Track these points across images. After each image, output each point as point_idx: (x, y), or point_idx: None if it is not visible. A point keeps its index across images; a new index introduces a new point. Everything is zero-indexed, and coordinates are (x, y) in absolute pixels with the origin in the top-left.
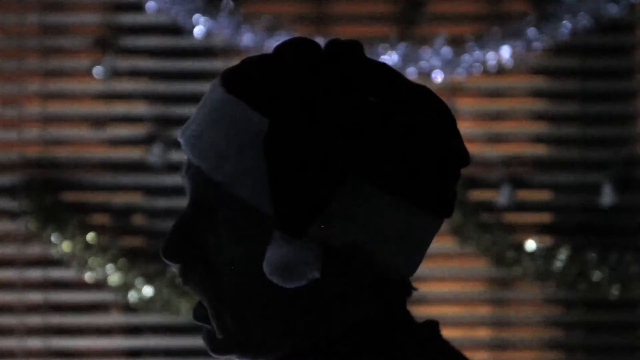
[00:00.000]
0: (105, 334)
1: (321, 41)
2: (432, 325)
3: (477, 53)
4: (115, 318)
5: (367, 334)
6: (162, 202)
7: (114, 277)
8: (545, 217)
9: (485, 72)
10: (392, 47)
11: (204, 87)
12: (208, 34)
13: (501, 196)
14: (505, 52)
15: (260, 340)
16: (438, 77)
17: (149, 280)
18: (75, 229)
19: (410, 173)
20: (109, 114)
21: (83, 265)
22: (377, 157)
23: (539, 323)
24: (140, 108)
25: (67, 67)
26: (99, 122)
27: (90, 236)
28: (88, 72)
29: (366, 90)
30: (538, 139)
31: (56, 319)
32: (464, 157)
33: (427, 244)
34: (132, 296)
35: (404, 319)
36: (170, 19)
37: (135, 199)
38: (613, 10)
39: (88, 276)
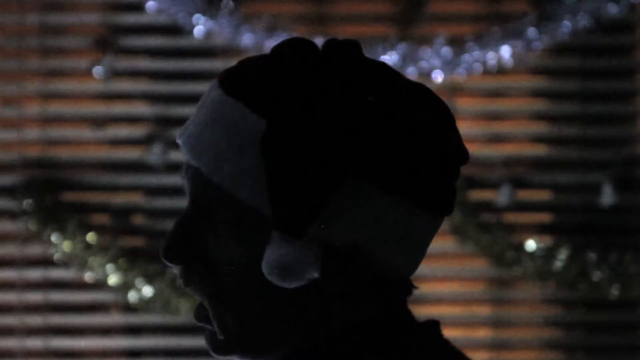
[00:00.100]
0: (105, 334)
1: (321, 41)
2: (433, 325)
3: (477, 53)
4: (115, 318)
5: (367, 334)
6: (162, 202)
7: (114, 277)
8: (545, 217)
9: (485, 72)
10: (392, 47)
11: (204, 87)
12: (208, 34)
13: (501, 196)
14: (505, 52)
15: (261, 340)
16: (438, 77)
17: (149, 280)
18: (75, 229)
19: (410, 173)
20: (109, 114)
21: (83, 265)
22: (376, 157)
23: (539, 323)
24: (140, 108)
25: (67, 67)
26: (99, 122)
27: (90, 236)
28: (88, 72)
29: (365, 89)
30: (538, 139)
31: (56, 319)
32: (464, 156)
33: (428, 243)
34: (132, 296)
35: (404, 318)
36: (170, 19)
37: (135, 199)
38: (613, 10)
39: (88, 276)
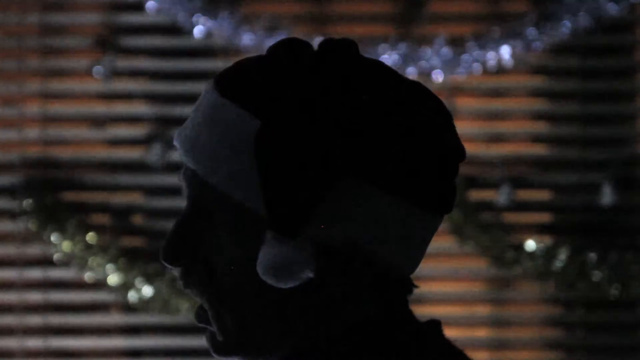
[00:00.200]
0: (105, 334)
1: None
2: (435, 325)
3: (477, 53)
4: (115, 318)
5: (367, 334)
6: (162, 202)
7: (114, 277)
8: (545, 217)
9: (485, 72)
10: (392, 47)
11: (203, 87)
12: (208, 34)
13: (501, 196)
14: (505, 52)
15: (261, 341)
16: (438, 77)
17: (149, 280)
18: (75, 229)
19: (410, 172)
20: (109, 114)
21: (83, 265)
22: (375, 157)
23: (539, 323)
24: (140, 108)
25: (67, 67)
26: (99, 122)
27: (90, 236)
28: (88, 72)
29: (360, 89)
30: (538, 139)
31: (56, 319)
32: (462, 154)
33: (428, 241)
34: (132, 296)
35: (404, 318)
36: (170, 19)
37: (135, 199)
38: (613, 10)
39: (88, 276)
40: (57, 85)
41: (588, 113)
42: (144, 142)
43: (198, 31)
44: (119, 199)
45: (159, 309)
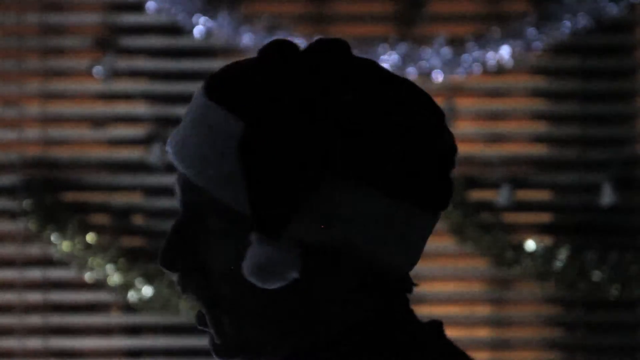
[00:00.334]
0: (105, 334)
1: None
2: (436, 326)
3: (477, 53)
4: (115, 318)
5: (367, 334)
6: (162, 202)
7: (114, 277)
8: (545, 217)
9: (485, 72)
10: (392, 47)
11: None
12: (208, 34)
13: (501, 196)
14: (505, 52)
15: (260, 342)
16: (438, 77)
17: (149, 280)
18: (75, 229)
19: (400, 170)
20: (109, 114)
21: (83, 265)
22: (363, 156)
23: (539, 323)
24: (140, 108)
25: (67, 67)
26: (99, 122)
27: (90, 236)
28: (88, 72)
29: (347, 89)
30: (538, 139)
31: (56, 319)
32: (454, 150)
33: (425, 238)
34: (132, 296)
35: (405, 319)
36: (170, 19)
37: (135, 199)
38: (613, 10)
39: (88, 276)
40: (57, 85)
41: (588, 113)
42: (144, 142)
43: (198, 31)
44: (119, 199)
45: (159, 309)
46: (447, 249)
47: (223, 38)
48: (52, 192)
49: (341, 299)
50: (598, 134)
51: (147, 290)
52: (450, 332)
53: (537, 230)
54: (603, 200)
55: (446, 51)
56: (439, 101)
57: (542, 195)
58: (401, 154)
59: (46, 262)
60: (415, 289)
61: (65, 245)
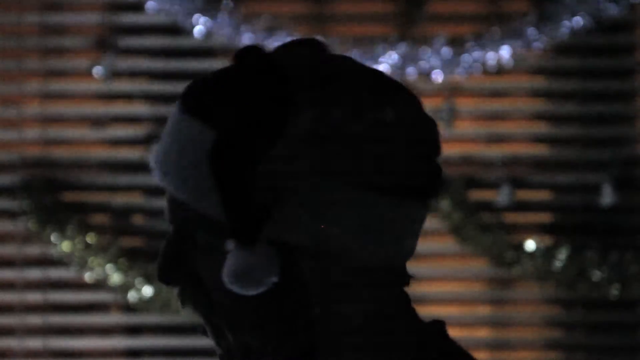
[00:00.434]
0: (105, 334)
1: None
2: (439, 325)
3: (477, 53)
4: (115, 318)
5: (368, 334)
6: (162, 202)
7: (114, 277)
8: (545, 217)
9: (485, 72)
10: (392, 47)
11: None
12: (208, 34)
13: (501, 196)
14: (505, 52)
15: (259, 346)
16: (438, 77)
17: (149, 280)
18: (75, 229)
19: (377, 164)
20: (109, 114)
21: (83, 265)
22: (337, 157)
23: (539, 323)
24: (140, 108)
25: (67, 67)
26: (99, 122)
27: (90, 236)
28: (88, 72)
29: (315, 91)
30: (538, 139)
31: (56, 319)
32: (434, 135)
33: (416, 228)
34: (132, 296)
35: (406, 317)
36: (170, 19)
37: (135, 199)
38: (613, 10)
39: (88, 276)
40: (57, 85)
41: (588, 113)
42: (144, 142)
43: (198, 31)
44: (119, 199)
45: (159, 309)
46: (447, 249)
47: (223, 38)
48: (52, 192)
49: (336, 298)
50: (598, 134)
51: (147, 290)
52: (450, 333)
53: (537, 230)
54: (603, 200)
55: (446, 51)
56: (439, 101)
57: (542, 195)
58: (375, 149)
59: (46, 262)
60: (415, 289)
61: (65, 245)
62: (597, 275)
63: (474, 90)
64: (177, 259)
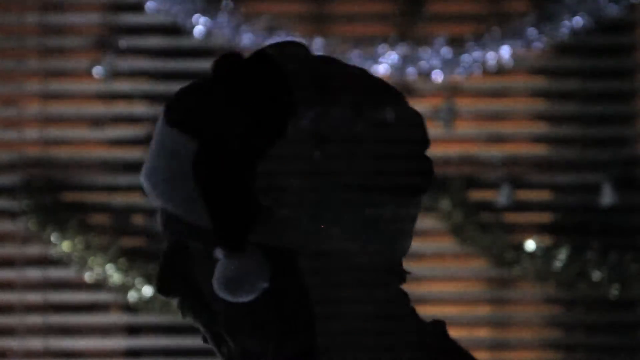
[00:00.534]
0: (105, 334)
1: (321, 41)
2: (439, 326)
3: (477, 53)
4: (115, 318)
5: (367, 333)
6: None
7: (114, 277)
8: (545, 217)
9: (485, 72)
10: (392, 47)
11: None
12: (208, 34)
13: (501, 196)
14: (505, 52)
15: (261, 351)
16: (438, 77)
17: (149, 280)
18: (75, 229)
19: (363, 164)
20: (109, 114)
21: (83, 265)
22: (333, 156)
23: (539, 323)
24: (140, 108)
25: (67, 67)
26: (99, 122)
27: (90, 236)
28: (88, 72)
29: (292, 95)
30: (538, 139)
31: (56, 319)
32: (420, 129)
33: (408, 222)
34: (132, 296)
35: (406, 317)
36: (170, 19)
37: (135, 199)
38: (613, 10)
39: (88, 276)
40: (57, 85)
41: (588, 113)
42: (144, 142)
43: (198, 31)
44: (119, 199)
45: (159, 309)
46: (447, 249)
47: (223, 38)
48: (52, 192)
49: (336, 298)
50: (598, 134)
51: (147, 290)
52: (450, 333)
53: (537, 230)
54: (603, 200)
55: (446, 51)
56: (439, 101)
57: (542, 195)
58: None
59: (46, 262)
60: (415, 289)
61: (65, 245)
62: (597, 275)
63: (474, 90)
64: (174, 270)
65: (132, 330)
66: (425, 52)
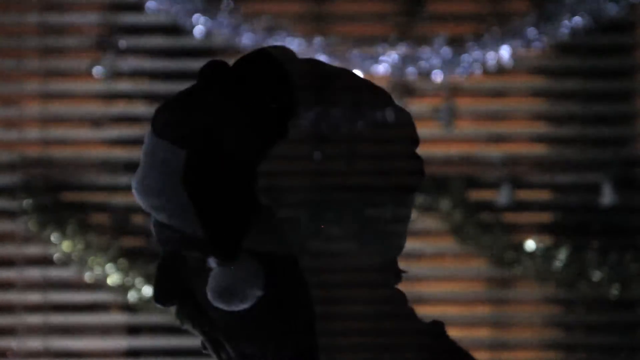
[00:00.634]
0: (105, 334)
1: (321, 41)
2: (438, 326)
3: (477, 53)
4: (115, 318)
5: (367, 333)
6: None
7: (114, 277)
8: (545, 217)
9: (485, 72)
10: (392, 47)
11: None
12: (208, 34)
13: (501, 196)
14: (505, 52)
15: (260, 355)
16: (438, 77)
17: (149, 280)
18: (75, 229)
19: (376, 165)
20: (108, 114)
21: (83, 265)
22: (332, 156)
23: (539, 323)
24: (140, 108)
25: (67, 67)
26: (99, 122)
27: (90, 236)
28: (88, 72)
29: (276, 100)
30: (538, 139)
31: (56, 319)
32: (410, 127)
33: (407, 224)
34: (132, 296)
35: (404, 317)
36: (170, 19)
37: (135, 199)
38: (613, 10)
39: (88, 276)
40: (57, 85)
41: (588, 113)
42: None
43: (198, 31)
44: (119, 199)
45: (159, 309)
46: (447, 249)
47: (223, 38)
48: (52, 192)
49: (335, 298)
50: (598, 134)
51: (147, 290)
52: (450, 333)
53: (537, 230)
54: (603, 200)
55: (446, 51)
56: (439, 101)
57: (542, 195)
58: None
59: (46, 262)
60: (415, 289)
61: (65, 245)
62: (597, 275)
63: (474, 90)
64: (170, 279)
65: (132, 330)
66: (425, 52)
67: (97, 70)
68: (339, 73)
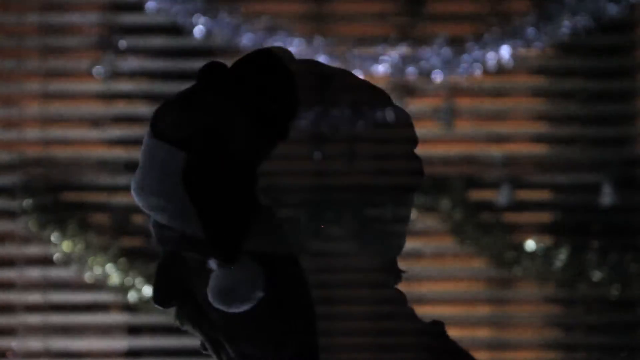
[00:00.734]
0: (105, 334)
1: (321, 41)
2: (438, 326)
3: (477, 53)
4: (115, 318)
5: (367, 333)
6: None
7: (114, 277)
8: (545, 217)
9: (485, 72)
10: (392, 47)
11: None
12: (208, 34)
13: (501, 196)
14: (505, 52)
15: (261, 356)
16: (438, 77)
17: (149, 280)
18: (75, 229)
19: (377, 165)
20: (109, 114)
21: (83, 265)
22: (332, 156)
23: (539, 323)
24: (140, 108)
25: (67, 67)
26: (99, 122)
27: (90, 236)
28: (88, 72)
29: (274, 102)
30: (538, 139)
31: (56, 319)
32: (408, 126)
33: (406, 224)
34: (132, 296)
35: (404, 317)
36: (170, 19)
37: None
38: (613, 10)
39: (88, 276)
40: (57, 85)
41: (588, 113)
42: None
43: (198, 31)
44: (119, 199)
45: (159, 309)
46: (447, 249)
47: (223, 38)
48: (52, 192)
49: (335, 298)
50: (598, 134)
51: (147, 290)
52: (450, 333)
53: (537, 230)
54: (603, 200)
55: (446, 51)
56: (439, 101)
57: (542, 195)
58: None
59: (46, 262)
60: (415, 289)
61: (66, 245)
62: (597, 275)
63: (474, 90)
64: (170, 281)
65: (132, 330)
66: (425, 52)
67: (97, 70)
68: (338, 73)
